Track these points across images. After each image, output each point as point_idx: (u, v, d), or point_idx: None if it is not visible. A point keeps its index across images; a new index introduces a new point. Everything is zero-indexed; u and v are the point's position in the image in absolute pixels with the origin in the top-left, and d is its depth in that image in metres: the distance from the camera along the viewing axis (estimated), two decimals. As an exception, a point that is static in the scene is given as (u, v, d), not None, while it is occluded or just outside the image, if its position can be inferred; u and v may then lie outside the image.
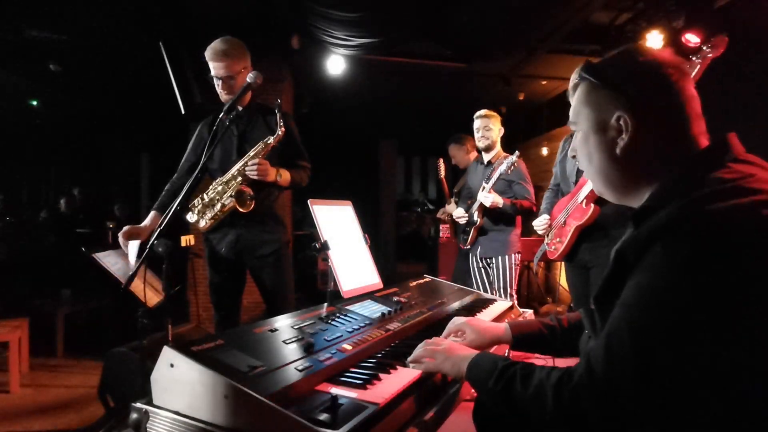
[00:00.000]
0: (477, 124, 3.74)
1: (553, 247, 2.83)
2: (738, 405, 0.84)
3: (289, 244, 2.75)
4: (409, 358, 1.28)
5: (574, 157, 1.15)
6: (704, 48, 2.30)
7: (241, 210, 2.49)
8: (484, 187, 3.57)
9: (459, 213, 3.82)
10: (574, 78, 1.10)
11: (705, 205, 0.83)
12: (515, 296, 3.65)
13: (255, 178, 2.46)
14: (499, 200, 3.49)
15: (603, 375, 0.85)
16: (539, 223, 2.96)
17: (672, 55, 1.02)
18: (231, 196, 2.50)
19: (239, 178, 2.50)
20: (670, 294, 0.82)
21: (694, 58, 2.31)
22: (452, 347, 1.24)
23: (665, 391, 0.82)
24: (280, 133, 2.50)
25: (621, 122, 0.99)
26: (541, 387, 0.93)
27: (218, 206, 2.55)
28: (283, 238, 2.68)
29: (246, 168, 2.47)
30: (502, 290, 3.59)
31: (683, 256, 0.81)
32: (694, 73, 2.29)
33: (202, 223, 2.60)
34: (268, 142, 2.50)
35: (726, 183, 0.87)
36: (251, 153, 2.51)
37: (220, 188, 2.56)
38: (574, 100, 1.09)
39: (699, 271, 0.80)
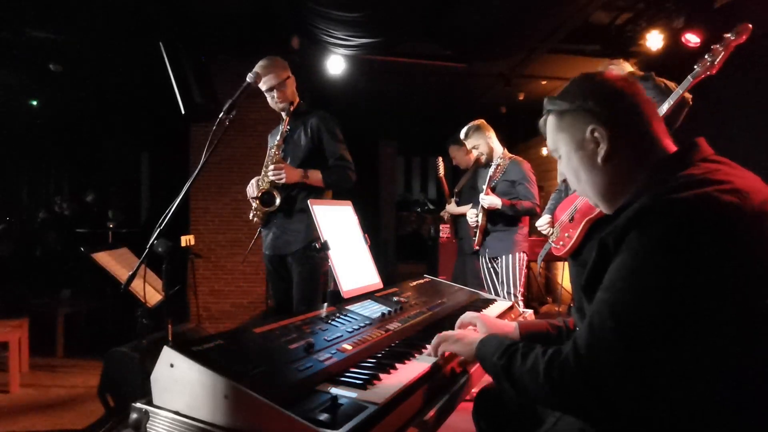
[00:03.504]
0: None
1: (561, 243, 2.83)
2: (723, 385, 0.87)
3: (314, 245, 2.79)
4: (429, 347, 1.38)
5: (564, 181, 1.25)
6: (728, 35, 2.26)
7: (265, 209, 2.76)
8: (481, 189, 3.59)
9: (471, 214, 3.77)
10: (544, 115, 1.22)
11: (675, 193, 0.92)
12: (520, 297, 3.56)
13: (276, 180, 2.72)
14: (496, 202, 3.48)
15: (586, 352, 0.90)
16: (541, 223, 3.01)
17: (616, 73, 1.17)
18: (255, 197, 2.78)
19: (265, 180, 2.77)
20: (644, 271, 0.89)
21: (717, 46, 2.27)
22: (463, 333, 1.35)
23: (647, 365, 0.86)
24: (278, 138, 2.80)
25: (596, 134, 1.09)
26: (535, 363, 0.99)
27: (254, 204, 2.82)
28: (309, 238, 2.74)
29: (267, 171, 2.74)
30: (505, 291, 3.52)
31: (655, 237, 0.89)
32: (718, 59, 2.26)
33: (254, 219, 2.86)
34: (272, 147, 2.80)
35: (694, 177, 0.96)
36: (267, 158, 2.80)
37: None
38: (548, 132, 1.20)
39: (669, 250, 0.88)
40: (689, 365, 0.86)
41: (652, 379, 0.86)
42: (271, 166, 2.73)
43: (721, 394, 0.87)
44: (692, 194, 0.90)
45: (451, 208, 4.49)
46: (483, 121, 3.76)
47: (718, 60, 2.27)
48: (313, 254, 2.72)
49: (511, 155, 3.67)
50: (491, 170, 3.54)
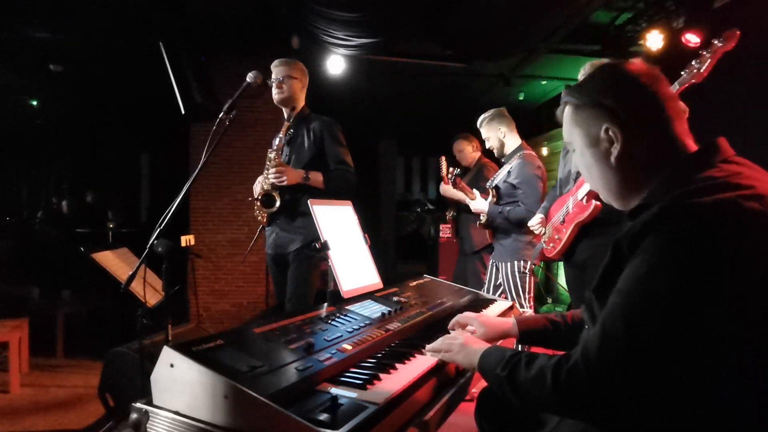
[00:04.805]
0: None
1: (551, 244, 2.79)
2: (723, 385, 0.86)
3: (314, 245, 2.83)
4: (428, 347, 1.35)
5: (559, 179, 1.20)
6: (715, 42, 2.21)
7: (265, 210, 2.83)
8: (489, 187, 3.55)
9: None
10: (561, 105, 1.17)
11: (694, 198, 0.89)
12: (528, 306, 3.35)
13: (277, 182, 2.77)
14: (481, 207, 3.39)
15: (596, 356, 0.88)
16: (533, 222, 2.94)
17: (643, 63, 1.09)
18: (256, 198, 2.84)
19: (267, 182, 2.81)
20: (660, 277, 0.86)
21: (705, 52, 2.22)
22: (468, 341, 1.29)
23: (657, 372, 0.85)
24: (277, 141, 2.84)
25: (610, 133, 1.05)
26: (541, 369, 0.97)
27: (257, 204, 2.90)
28: (305, 239, 2.79)
29: (268, 174, 2.79)
30: (510, 297, 3.32)
31: (673, 242, 0.87)
32: (705, 67, 2.21)
33: (258, 217, 2.92)
34: (272, 151, 2.83)
35: (715, 180, 0.93)
36: (268, 161, 2.84)
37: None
38: (564, 122, 1.16)
39: (687, 256, 0.85)
40: (691, 366, 0.86)
41: (660, 382, 0.85)
42: (272, 170, 2.77)
43: (721, 395, 0.86)
44: (713, 199, 0.87)
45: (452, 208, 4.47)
46: (503, 110, 3.53)
47: (704, 68, 2.22)
48: (312, 253, 2.76)
49: (526, 152, 3.39)
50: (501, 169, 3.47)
